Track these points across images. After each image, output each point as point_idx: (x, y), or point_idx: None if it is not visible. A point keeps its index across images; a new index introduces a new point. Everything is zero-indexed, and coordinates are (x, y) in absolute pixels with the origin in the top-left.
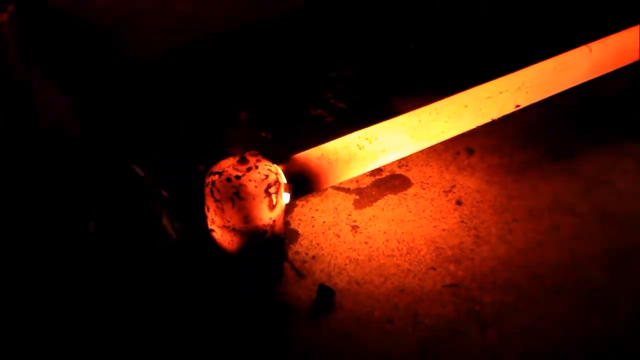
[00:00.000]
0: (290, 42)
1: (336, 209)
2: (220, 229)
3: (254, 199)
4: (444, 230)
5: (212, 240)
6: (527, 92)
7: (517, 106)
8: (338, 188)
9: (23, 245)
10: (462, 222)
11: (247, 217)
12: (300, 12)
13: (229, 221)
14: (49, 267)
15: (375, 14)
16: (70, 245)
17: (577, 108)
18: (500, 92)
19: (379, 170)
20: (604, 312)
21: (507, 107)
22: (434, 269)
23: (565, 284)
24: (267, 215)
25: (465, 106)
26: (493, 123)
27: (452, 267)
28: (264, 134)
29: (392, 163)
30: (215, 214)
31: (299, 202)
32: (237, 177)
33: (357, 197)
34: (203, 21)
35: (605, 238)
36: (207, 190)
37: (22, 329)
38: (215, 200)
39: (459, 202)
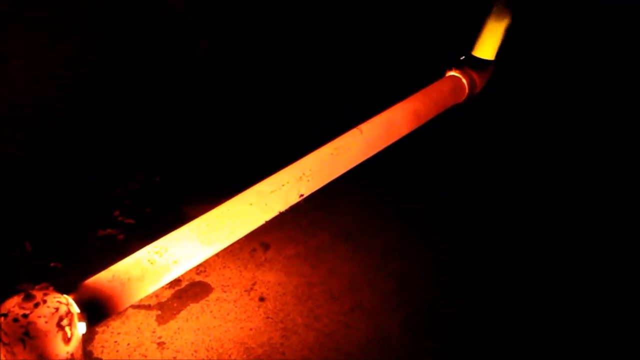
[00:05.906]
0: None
1: (139, 328)
2: None
3: (46, 335)
4: (251, 329)
5: None
6: (308, 180)
7: (302, 195)
8: (138, 306)
9: None
10: (268, 317)
11: (41, 356)
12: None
13: None
14: None
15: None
16: None
17: (359, 187)
18: (283, 185)
19: (177, 281)
20: None
21: (291, 198)
22: None
23: (376, 358)
24: (64, 349)
25: (251, 204)
26: (282, 215)
27: None
28: (52, 264)
29: (190, 271)
30: (7, 359)
31: (99, 329)
32: (25, 316)
33: (159, 312)
34: None
35: (406, 304)
36: None
37: None
38: (5, 344)
39: (261, 299)
